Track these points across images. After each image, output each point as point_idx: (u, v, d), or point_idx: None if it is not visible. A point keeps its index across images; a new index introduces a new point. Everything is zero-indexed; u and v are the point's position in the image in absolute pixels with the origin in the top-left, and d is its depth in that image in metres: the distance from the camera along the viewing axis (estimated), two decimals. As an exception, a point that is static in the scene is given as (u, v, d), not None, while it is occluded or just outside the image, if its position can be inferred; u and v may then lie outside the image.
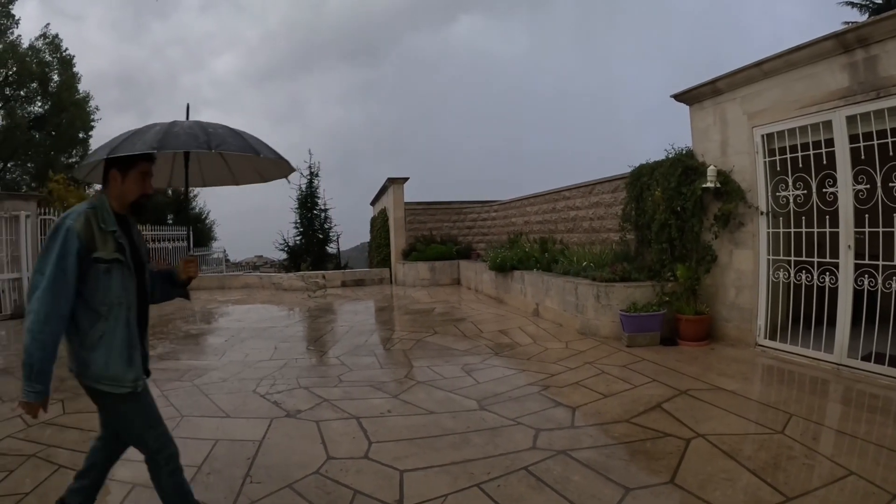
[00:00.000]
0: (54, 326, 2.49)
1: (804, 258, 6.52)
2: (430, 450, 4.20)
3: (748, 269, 7.23)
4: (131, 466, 4.08)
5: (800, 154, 6.46)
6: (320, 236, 22.50)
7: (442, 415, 5.01)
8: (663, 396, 5.28)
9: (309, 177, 22.43)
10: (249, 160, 3.58)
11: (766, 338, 6.97)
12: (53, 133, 30.90)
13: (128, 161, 2.74)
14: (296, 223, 22.46)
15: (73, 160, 32.04)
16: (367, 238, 24.92)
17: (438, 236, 18.48)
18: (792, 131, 6.53)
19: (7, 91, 29.46)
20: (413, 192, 18.58)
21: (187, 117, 2.93)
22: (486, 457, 4.05)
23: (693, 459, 3.86)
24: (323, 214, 22.58)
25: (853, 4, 24.64)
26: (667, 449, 4.06)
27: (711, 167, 7.47)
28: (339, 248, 23.58)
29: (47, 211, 14.93)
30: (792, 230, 6.69)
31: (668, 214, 7.95)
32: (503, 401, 5.34)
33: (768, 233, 6.95)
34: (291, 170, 3.68)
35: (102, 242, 2.63)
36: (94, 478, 3.07)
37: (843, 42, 5.85)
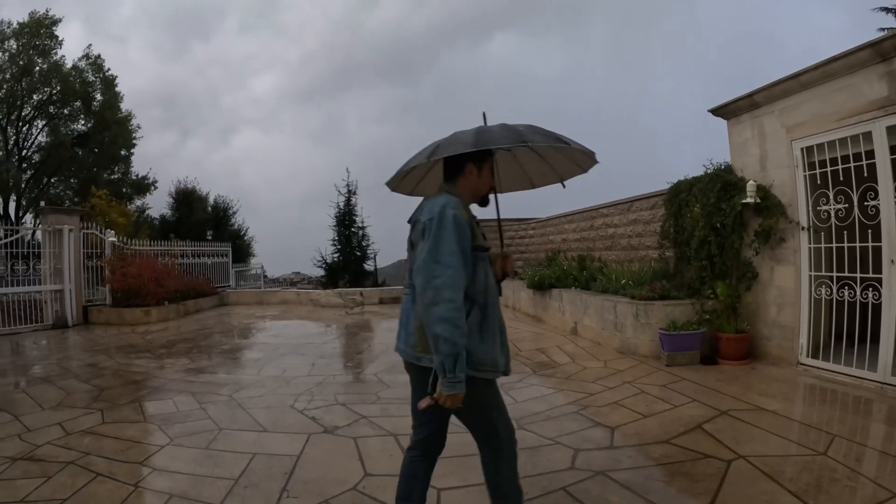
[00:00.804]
0: (463, 314, 2.52)
1: (846, 274, 6.39)
2: (467, 469, 4.19)
3: (790, 285, 7.10)
4: (168, 477, 4.20)
5: (840, 167, 6.35)
6: (358, 254, 22.67)
7: (480, 434, 5.01)
8: (704, 417, 5.22)
9: (347, 195, 22.67)
10: (543, 159, 3.55)
11: (808, 356, 6.83)
12: (96, 150, 31.98)
13: (483, 155, 2.87)
14: (334, 241, 22.68)
15: (115, 176, 33.12)
16: (403, 255, 24.98)
17: (475, 254, 18.42)
18: (831, 143, 6.44)
19: (51, 109, 30.62)
20: (449, 210, 18.60)
21: (484, 123, 3.03)
22: (523, 476, 4.01)
23: (734, 481, 3.82)
24: (361, 232, 22.77)
25: (888, 10, 24.19)
26: (707, 471, 4.02)
27: (751, 182, 7.39)
28: (376, 266, 23.73)
29: (89, 225, 15.34)
30: (833, 245, 6.57)
31: (708, 231, 7.87)
32: (541, 420, 5.34)
33: (810, 248, 6.84)
34: (589, 160, 3.41)
35: (477, 231, 2.75)
36: (421, 493, 3.07)
37: (880, 51, 5.77)
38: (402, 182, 3.31)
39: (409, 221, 2.90)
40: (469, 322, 2.62)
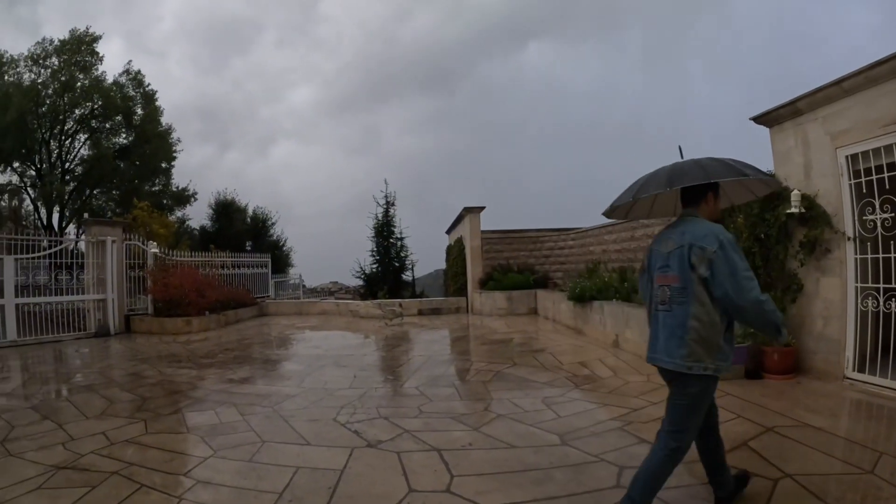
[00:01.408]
0: None
1: (893, 285, 6.20)
2: (512, 485, 4.19)
3: (836, 297, 6.93)
4: (212, 489, 4.24)
5: (886, 174, 6.18)
6: (396, 265, 22.78)
7: (524, 449, 4.98)
8: (749, 433, 5.12)
9: (385, 206, 22.83)
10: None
11: (854, 370, 6.65)
12: (137, 163, 32.66)
13: (717, 186, 3.51)
14: (372, 251, 22.83)
15: (156, 188, 33.83)
16: (440, 265, 25.07)
17: (515, 265, 18.41)
18: (877, 151, 6.25)
19: (93, 123, 31.36)
20: (488, 221, 18.68)
21: (681, 157, 3.60)
22: (569, 494, 4.02)
23: (780, 501, 3.75)
24: (399, 243, 22.89)
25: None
26: (753, 490, 3.93)
27: (795, 191, 7.25)
28: (413, 276, 23.81)
29: (131, 236, 15.68)
30: (880, 256, 6.38)
31: (752, 242, 7.76)
32: (585, 436, 5.28)
33: (856, 259, 6.67)
34: (765, 188, 4.12)
35: None
36: (720, 462, 3.70)
37: (926, 53, 5.64)
38: (624, 210, 4.05)
39: (681, 247, 3.35)
40: (730, 329, 3.26)
